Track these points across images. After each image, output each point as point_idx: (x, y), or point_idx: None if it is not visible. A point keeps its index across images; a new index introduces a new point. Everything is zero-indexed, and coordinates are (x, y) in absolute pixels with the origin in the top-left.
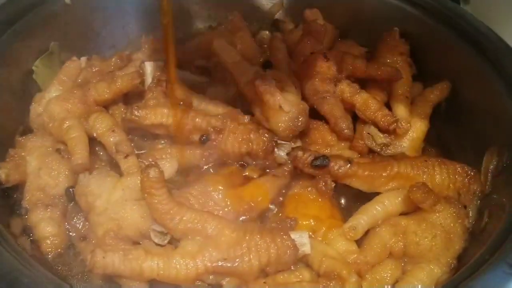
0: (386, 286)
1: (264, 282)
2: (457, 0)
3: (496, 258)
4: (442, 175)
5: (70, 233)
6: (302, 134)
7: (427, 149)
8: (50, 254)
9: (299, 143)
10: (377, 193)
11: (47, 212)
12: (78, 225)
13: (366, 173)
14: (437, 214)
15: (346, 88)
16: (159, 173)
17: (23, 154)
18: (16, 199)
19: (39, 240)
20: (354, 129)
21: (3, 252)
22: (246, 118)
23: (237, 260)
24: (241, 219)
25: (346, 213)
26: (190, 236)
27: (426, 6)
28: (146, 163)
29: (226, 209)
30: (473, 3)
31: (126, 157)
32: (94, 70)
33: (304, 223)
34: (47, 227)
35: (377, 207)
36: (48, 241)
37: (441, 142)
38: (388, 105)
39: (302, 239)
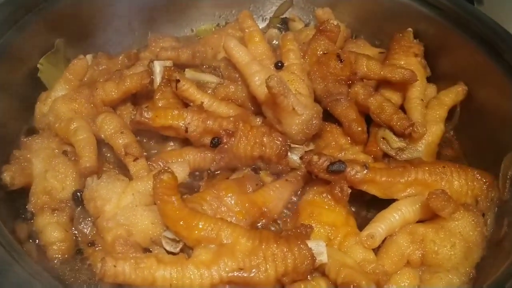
0: None
1: None
2: (471, 0)
3: None
4: (460, 181)
5: (78, 238)
6: (315, 137)
7: (442, 154)
8: (57, 260)
9: (312, 147)
10: (392, 200)
11: (54, 217)
12: (85, 230)
13: (383, 179)
14: (456, 222)
15: (360, 90)
16: (172, 178)
17: (28, 156)
18: (21, 203)
19: (45, 246)
20: (368, 133)
21: (10, 259)
22: (258, 121)
23: (254, 270)
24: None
25: (361, 220)
26: (204, 244)
27: (440, 6)
28: (156, 166)
29: (239, 215)
30: (487, 3)
31: (135, 160)
32: (101, 69)
33: (320, 230)
34: (53, 232)
35: (394, 214)
36: (55, 247)
37: (456, 146)
38: (402, 108)
39: (319, 248)
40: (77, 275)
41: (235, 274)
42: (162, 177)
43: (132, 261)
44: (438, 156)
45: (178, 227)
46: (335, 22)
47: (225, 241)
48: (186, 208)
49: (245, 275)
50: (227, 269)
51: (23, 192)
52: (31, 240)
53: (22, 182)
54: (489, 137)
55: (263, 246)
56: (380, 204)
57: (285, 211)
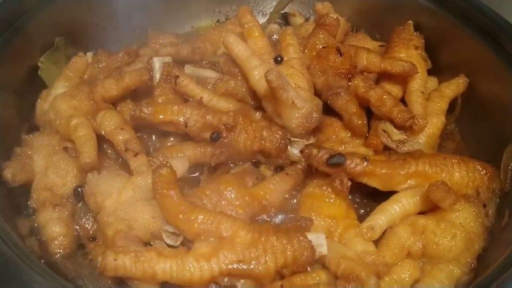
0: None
1: (281, 285)
2: None
3: None
4: (461, 173)
5: (79, 233)
6: (315, 131)
7: (443, 146)
8: (58, 255)
9: (312, 140)
10: (393, 192)
11: (55, 212)
12: (87, 225)
13: (383, 171)
14: (457, 214)
15: (360, 83)
16: (171, 173)
17: (29, 152)
18: (23, 199)
19: (47, 241)
20: (369, 126)
21: (11, 255)
22: (258, 115)
23: (253, 262)
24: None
25: (361, 213)
26: (204, 237)
27: None
28: (156, 162)
29: (239, 209)
30: None
31: (135, 155)
32: (100, 66)
33: (320, 223)
34: (55, 228)
35: (395, 206)
36: (57, 242)
37: (457, 138)
38: (403, 101)
39: (319, 240)
40: (79, 269)
41: (235, 266)
42: (161, 171)
43: (132, 254)
44: (439, 148)
45: (177, 221)
46: (335, 16)
47: (224, 234)
48: (186, 202)
49: (245, 267)
50: (226, 262)
51: (25, 189)
52: (33, 236)
53: (23, 179)
54: (490, 128)
55: (262, 239)
56: (381, 196)
57: (286, 204)
